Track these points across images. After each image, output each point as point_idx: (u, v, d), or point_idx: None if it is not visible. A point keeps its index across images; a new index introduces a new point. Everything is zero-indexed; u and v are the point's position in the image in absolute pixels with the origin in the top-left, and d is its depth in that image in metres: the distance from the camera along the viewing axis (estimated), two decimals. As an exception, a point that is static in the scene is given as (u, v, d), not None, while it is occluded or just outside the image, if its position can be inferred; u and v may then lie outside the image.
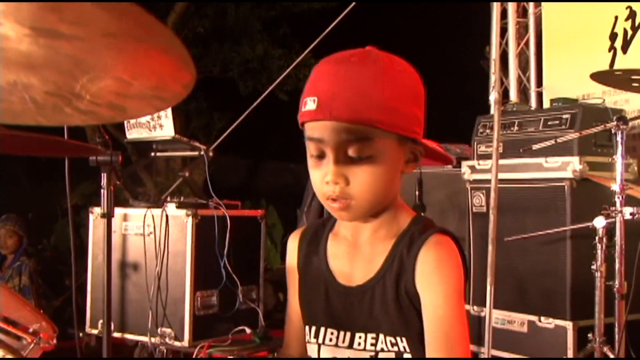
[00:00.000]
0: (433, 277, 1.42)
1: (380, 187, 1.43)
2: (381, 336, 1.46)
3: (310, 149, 1.43)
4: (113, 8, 0.77)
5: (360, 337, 1.48)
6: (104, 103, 1.06)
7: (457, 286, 1.43)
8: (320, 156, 1.41)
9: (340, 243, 1.56)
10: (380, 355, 1.46)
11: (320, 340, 1.53)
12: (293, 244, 1.63)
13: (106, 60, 0.92)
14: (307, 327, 1.56)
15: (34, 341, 1.57)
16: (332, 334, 1.52)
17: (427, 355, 1.42)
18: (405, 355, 1.44)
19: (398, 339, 1.44)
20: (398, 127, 1.41)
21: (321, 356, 1.53)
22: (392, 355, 1.45)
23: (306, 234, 1.63)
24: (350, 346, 1.49)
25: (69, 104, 1.08)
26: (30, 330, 1.59)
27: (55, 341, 1.70)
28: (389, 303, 1.45)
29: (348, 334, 1.50)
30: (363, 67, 1.40)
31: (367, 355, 1.47)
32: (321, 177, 1.41)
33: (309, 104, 1.39)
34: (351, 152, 1.38)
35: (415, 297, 1.43)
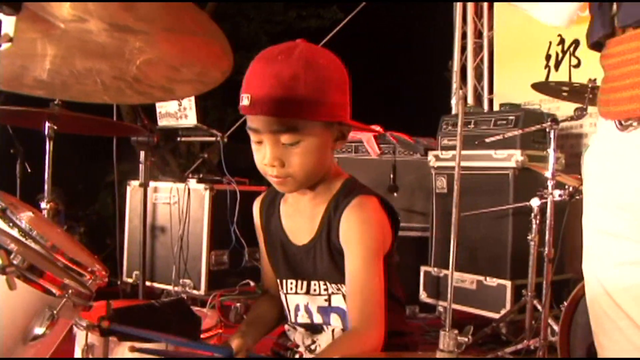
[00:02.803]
0: (352, 236, 1.39)
1: (311, 165, 1.39)
2: (328, 283, 1.46)
3: (251, 136, 1.40)
4: (175, 7, 0.82)
5: (315, 284, 1.48)
6: (157, 86, 1.11)
7: (374, 244, 1.39)
8: (259, 142, 1.38)
9: (289, 208, 1.55)
10: (332, 297, 1.46)
11: (284, 290, 1.53)
12: (256, 209, 1.62)
13: (163, 50, 0.97)
14: (277, 280, 1.55)
15: (92, 278, 1.58)
16: (291, 283, 1.52)
17: (347, 304, 1.40)
18: None
19: (340, 285, 1.44)
20: (320, 115, 1.36)
21: (288, 301, 1.52)
22: (341, 296, 1.45)
23: (265, 200, 1.61)
24: (307, 292, 1.49)
25: (130, 86, 1.13)
26: (89, 269, 1.61)
27: (107, 279, 1.72)
28: (325, 258, 1.44)
29: (305, 282, 1.50)
30: (287, 66, 1.32)
31: (322, 298, 1.48)
32: (261, 158, 1.39)
33: (244, 100, 1.33)
34: (283, 139, 1.35)
35: (342, 251, 1.42)
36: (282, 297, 1.55)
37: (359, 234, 1.39)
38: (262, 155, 1.39)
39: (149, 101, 1.20)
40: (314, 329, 1.51)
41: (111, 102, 1.14)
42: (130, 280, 4.46)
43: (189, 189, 4.28)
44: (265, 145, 1.37)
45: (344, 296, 1.44)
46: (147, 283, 4.21)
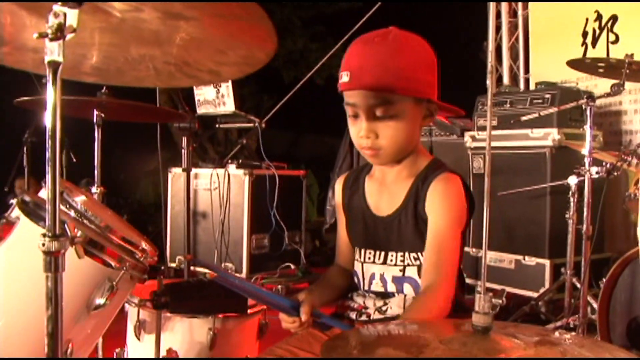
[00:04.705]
0: (437, 204, 1.52)
1: (403, 139, 1.53)
2: (406, 254, 1.57)
3: (348, 110, 1.54)
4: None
5: (392, 255, 1.60)
6: (205, 69, 1.19)
7: (456, 213, 1.52)
8: (355, 116, 1.52)
9: (374, 183, 1.67)
10: (407, 268, 1.57)
11: (362, 259, 1.64)
12: (339, 187, 1.75)
13: (211, 34, 1.04)
14: (355, 249, 1.68)
15: (144, 256, 1.67)
16: (370, 253, 1.63)
17: (424, 261, 1.53)
18: None
19: (420, 254, 1.55)
20: (414, 91, 1.49)
21: (364, 270, 1.64)
22: (415, 268, 1.56)
23: (349, 179, 1.74)
24: (384, 262, 1.61)
25: (180, 70, 1.21)
26: (140, 247, 1.69)
27: (156, 258, 1.79)
28: (409, 227, 1.56)
29: (382, 253, 1.61)
30: (384, 45, 1.47)
31: (397, 269, 1.59)
32: (357, 132, 1.53)
33: (344, 77, 1.47)
34: (378, 112, 1.49)
35: (426, 219, 1.54)
36: (358, 265, 1.66)
37: (443, 202, 1.52)
38: (358, 128, 1.52)
39: (197, 84, 1.28)
40: (385, 295, 1.61)
41: (162, 86, 1.22)
42: (173, 265, 4.59)
43: (228, 175, 4.38)
44: (361, 119, 1.51)
45: (418, 268, 1.56)
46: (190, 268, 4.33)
